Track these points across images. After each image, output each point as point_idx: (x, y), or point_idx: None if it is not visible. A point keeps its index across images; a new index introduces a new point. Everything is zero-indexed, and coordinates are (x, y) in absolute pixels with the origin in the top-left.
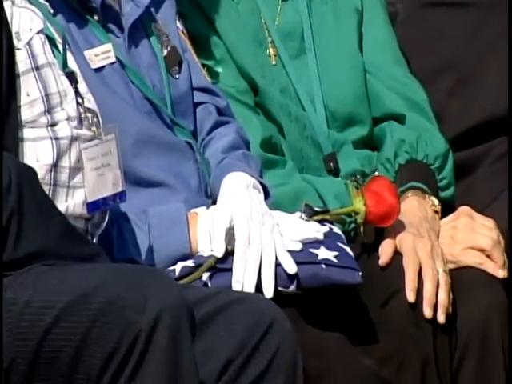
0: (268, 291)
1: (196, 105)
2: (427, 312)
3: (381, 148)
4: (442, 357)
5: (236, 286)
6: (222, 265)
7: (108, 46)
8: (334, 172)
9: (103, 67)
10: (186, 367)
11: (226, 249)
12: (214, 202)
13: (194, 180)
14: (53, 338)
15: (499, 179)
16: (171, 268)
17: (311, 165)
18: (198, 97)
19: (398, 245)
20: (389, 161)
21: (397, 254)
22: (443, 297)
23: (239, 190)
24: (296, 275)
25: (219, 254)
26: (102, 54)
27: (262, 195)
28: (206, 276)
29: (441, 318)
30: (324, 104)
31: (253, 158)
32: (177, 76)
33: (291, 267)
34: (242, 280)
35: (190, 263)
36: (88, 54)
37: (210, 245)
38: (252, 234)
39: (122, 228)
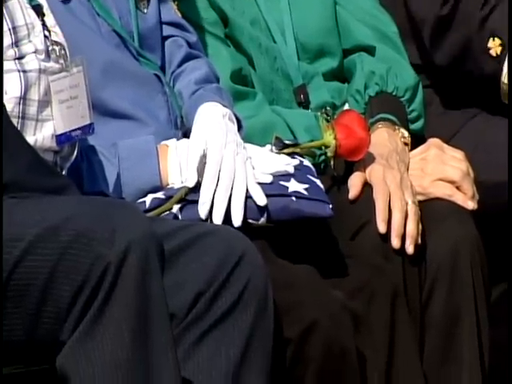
0: (236, 220)
1: (165, 38)
2: (395, 242)
3: (351, 80)
4: (411, 289)
5: (202, 208)
6: (193, 196)
7: None
8: (305, 104)
9: (70, 0)
10: (155, 300)
11: (198, 179)
12: (185, 134)
13: (163, 113)
14: (22, 271)
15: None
16: (141, 200)
17: (281, 97)
18: (168, 31)
19: (367, 176)
20: (359, 92)
21: (366, 186)
22: (411, 227)
23: (215, 118)
24: (266, 208)
25: (191, 183)
26: None
27: (236, 127)
28: (176, 208)
29: (409, 249)
30: (294, 36)
31: (226, 93)
32: (145, 11)
33: (261, 199)
34: (208, 202)
35: (160, 195)
36: None
37: (180, 177)
38: (225, 161)
39: (92, 161)
